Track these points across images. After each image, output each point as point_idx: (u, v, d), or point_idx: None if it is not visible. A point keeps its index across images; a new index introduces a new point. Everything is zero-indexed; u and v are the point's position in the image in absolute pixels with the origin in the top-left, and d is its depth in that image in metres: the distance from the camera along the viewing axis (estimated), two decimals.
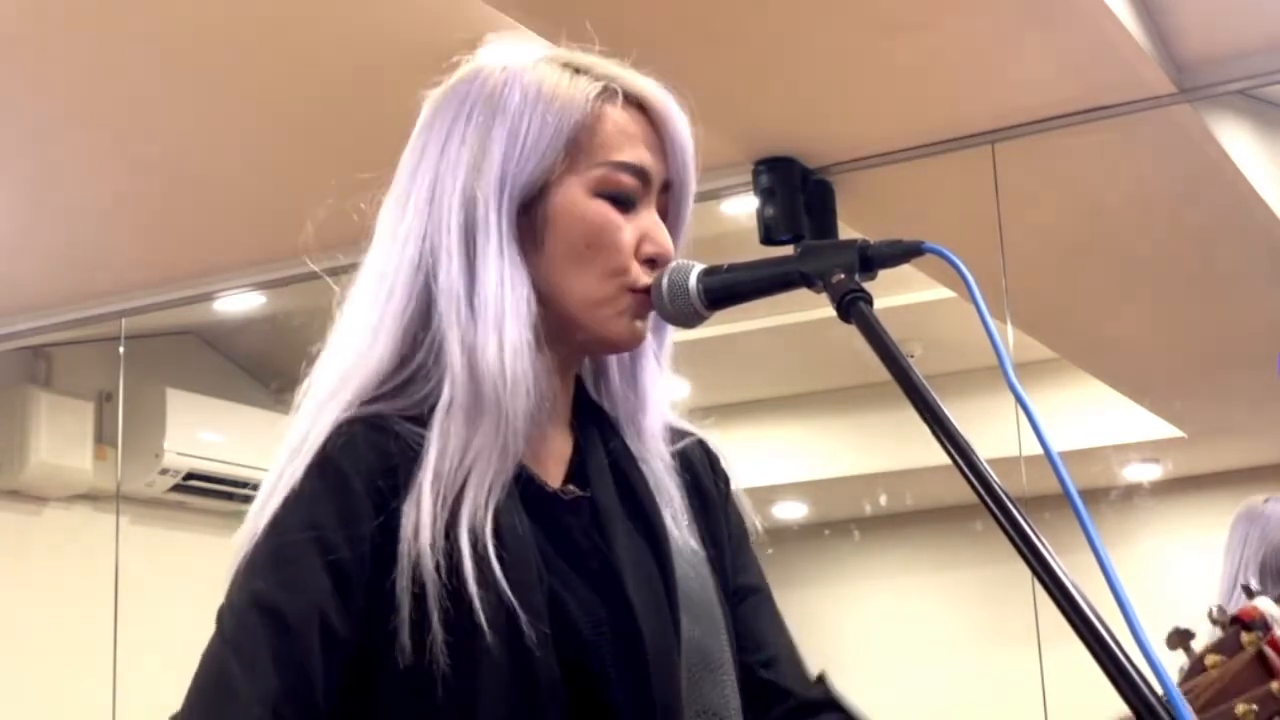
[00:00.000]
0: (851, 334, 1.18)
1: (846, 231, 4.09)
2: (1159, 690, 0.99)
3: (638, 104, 1.30)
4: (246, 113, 3.77)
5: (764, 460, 6.39)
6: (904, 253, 1.22)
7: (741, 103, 3.72)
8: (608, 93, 1.28)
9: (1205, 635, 1.34)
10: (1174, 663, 1.26)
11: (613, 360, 1.36)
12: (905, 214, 4.32)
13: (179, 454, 5.49)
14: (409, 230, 1.27)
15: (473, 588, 1.16)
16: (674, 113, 1.31)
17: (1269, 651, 1.27)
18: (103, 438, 5.49)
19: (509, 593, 1.17)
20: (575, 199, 1.26)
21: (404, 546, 1.17)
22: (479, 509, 1.19)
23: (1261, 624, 1.28)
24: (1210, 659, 1.30)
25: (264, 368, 6.03)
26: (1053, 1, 3.24)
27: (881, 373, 1.15)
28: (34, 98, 3.65)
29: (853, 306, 1.19)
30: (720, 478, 1.41)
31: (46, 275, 4.78)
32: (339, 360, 1.26)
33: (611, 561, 1.25)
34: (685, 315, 1.30)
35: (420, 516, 1.17)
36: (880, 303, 1.19)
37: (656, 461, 1.33)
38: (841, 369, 5.76)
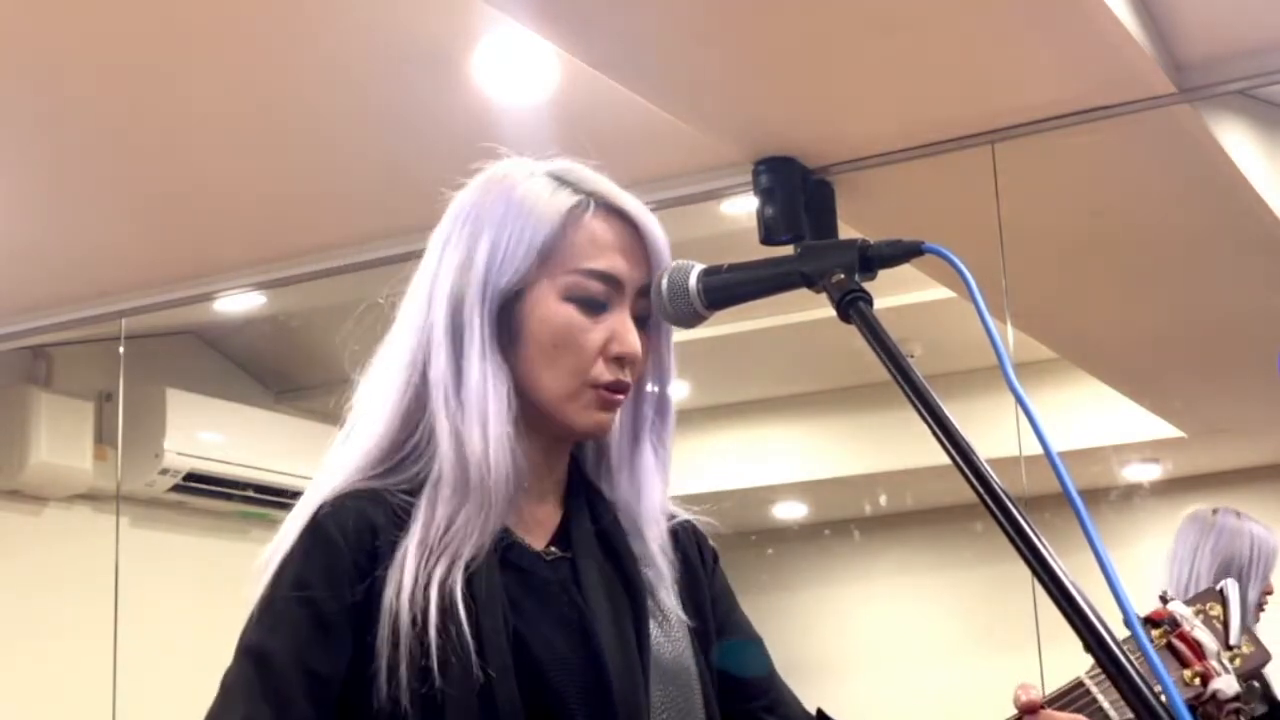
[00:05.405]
0: (851, 334, 1.19)
1: (846, 231, 4.08)
2: (1159, 691, 0.99)
3: (619, 214, 1.39)
4: (247, 113, 3.76)
5: (764, 460, 6.39)
6: (904, 253, 1.23)
7: (741, 103, 3.72)
8: (581, 205, 1.37)
9: None
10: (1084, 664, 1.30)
11: (612, 447, 1.44)
12: (905, 214, 4.32)
13: (179, 454, 5.48)
14: (412, 323, 1.39)
15: (433, 635, 1.26)
16: (652, 223, 1.40)
17: (1178, 644, 1.38)
18: (103, 438, 5.48)
19: (469, 636, 1.26)
20: (546, 303, 1.36)
21: (386, 603, 1.29)
22: (453, 569, 1.30)
23: (1170, 621, 1.39)
24: None
25: (264, 368, 6.03)
26: (1053, 1, 3.24)
27: (881, 373, 1.15)
28: (34, 97, 3.65)
29: (853, 306, 1.20)
30: (707, 552, 1.50)
31: (46, 275, 4.77)
32: (351, 440, 1.39)
33: (586, 614, 1.33)
34: (685, 315, 1.30)
35: (403, 577, 1.29)
36: (880, 303, 1.20)
37: (652, 541, 1.41)
38: (841, 369, 5.75)
